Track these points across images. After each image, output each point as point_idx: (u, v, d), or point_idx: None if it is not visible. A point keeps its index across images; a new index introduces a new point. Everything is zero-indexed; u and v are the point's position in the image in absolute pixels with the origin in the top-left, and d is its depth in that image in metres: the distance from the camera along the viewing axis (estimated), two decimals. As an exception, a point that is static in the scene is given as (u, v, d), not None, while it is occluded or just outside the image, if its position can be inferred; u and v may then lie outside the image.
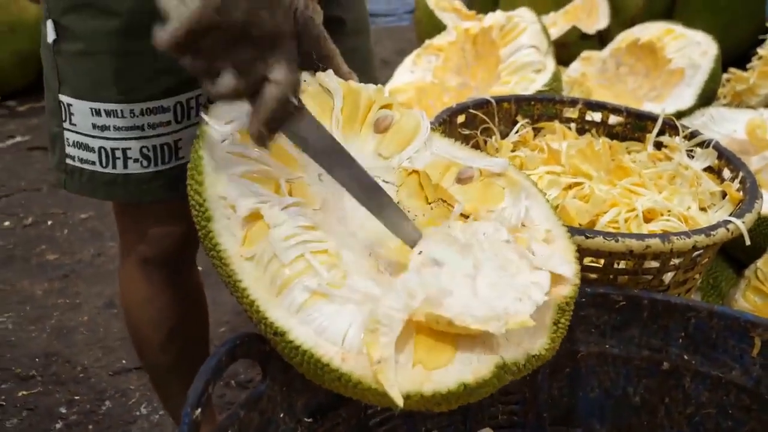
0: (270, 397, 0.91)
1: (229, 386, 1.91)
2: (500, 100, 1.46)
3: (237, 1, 0.71)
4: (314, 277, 0.80)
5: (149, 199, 1.12)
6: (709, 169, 1.35)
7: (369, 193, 0.87)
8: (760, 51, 2.22)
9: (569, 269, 0.88)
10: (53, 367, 1.99)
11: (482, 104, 1.44)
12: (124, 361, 2.02)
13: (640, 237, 1.05)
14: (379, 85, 1.00)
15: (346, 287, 0.81)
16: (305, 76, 0.95)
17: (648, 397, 1.10)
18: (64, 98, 1.09)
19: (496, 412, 1.14)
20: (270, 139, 0.81)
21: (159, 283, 1.28)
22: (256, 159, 0.87)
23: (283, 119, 0.80)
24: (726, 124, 1.77)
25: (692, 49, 1.94)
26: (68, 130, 1.11)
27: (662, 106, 1.82)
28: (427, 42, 2.18)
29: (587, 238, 1.04)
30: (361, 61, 1.23)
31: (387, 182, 0.96)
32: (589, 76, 2.18)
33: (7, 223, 2.66)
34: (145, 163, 1.10)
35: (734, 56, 2.47)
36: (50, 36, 1.07)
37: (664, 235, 1.05)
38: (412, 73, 2.16)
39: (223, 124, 0.88)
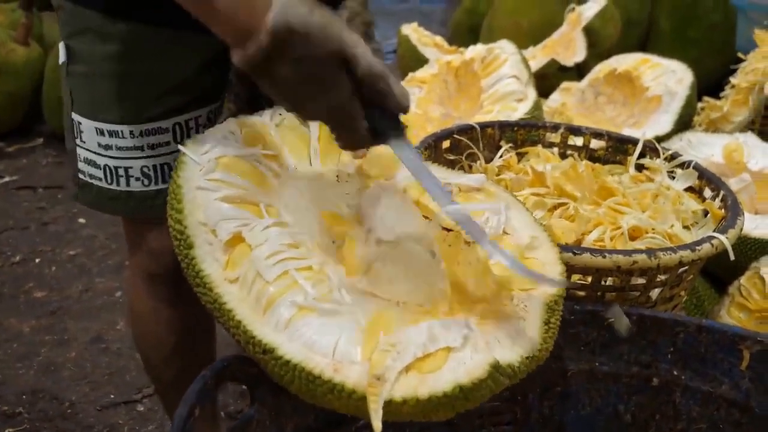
0: (259, 421, 0.90)
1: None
2: (484, 125, 1.49)
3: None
4: (300, 292, 0.81)
5: (151, 216, 1.15)
6: (690, 189, 1.38)
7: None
8: (733, 80, 2.28)
9: (555, 269, 0.91)
10: (40, 404, 1.96)
11: (466, 130, 1.47)
12: (112, 396, 2.00)
13: (627, 253, 1.07)
14: None
15: (333, 300, 0.81)
16: (281, 110, 0.98)
17: (638, 414, 1.11)
18: (75, 117, 1.14)
19: (488, 433, 1.14)
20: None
21: (163, 299, 1.29)
22: (235, 184, 0.88)
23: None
24: (703, 149, 1.81)
25: (668, 77, 1.99)
26: (80, 146, 1.15)
27: (641, 132, 1.86)
28: (410, 75, 2.22)
29: (575, 254, 1.06)
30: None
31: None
32: (569, 105, 2.23)
33: (-6, 262, 2.65)
34: (146, 181, 1.13)
35: (706, 86, 2.55)
36: (61, 57, 1.13)
37: (651, 251, 1.07)
38: (396, 105, 2.18)
39: (201, 154, 0.89)
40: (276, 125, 0.99)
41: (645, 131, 1.86)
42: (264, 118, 0.99)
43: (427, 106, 2.12)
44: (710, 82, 2.63)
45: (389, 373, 0.75)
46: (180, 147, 0.90)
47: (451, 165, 1.45)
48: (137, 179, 1.13)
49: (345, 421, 0.96)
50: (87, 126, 1.12)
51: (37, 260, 2.65)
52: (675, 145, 1.82)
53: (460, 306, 0.88)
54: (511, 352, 0.80)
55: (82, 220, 2.90)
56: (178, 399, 1.43)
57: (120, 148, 1.11)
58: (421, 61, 2.59)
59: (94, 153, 1.13)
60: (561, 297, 0.90)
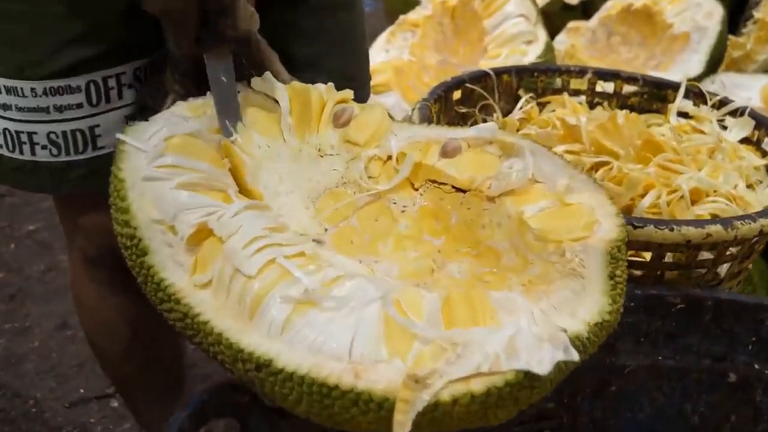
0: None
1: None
2: (499, 72, 1.29)
3: None
4: (293, 284, 0.63)
5: (65, 191, 0.98)
6: (745, 141, 1.18)
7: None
8: (756, 14, 2.09)
9: (609, 209, 0.73)
10: (0, 402, 1.77)
11: (479, 77, 1.26)
12: (81, 390, 1.80)
13: (699, 224, 0.88)
14: (329, 83, 0.86)
15: (337, 287, 0.64)
16: (242, 87, 0.83)
17: (709, 415, 0.94)
18: None
19: (530, 442, 0.96)
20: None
21: (109, 284, 1.14)
22: (192, 168, 0.71)
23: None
24: (738, 92, 1.62)
25: (694, 11, 1.79)
26: None
27: (666, 75, 1.65)
28: (402, 18, 2.02)
29: (635, 227, 0.86)
30: (329, 42, 1.06)
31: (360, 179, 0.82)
32: (578, 47, 2.01)
33: (-56, 241, 2.41)
34: (54, 150, 0.94)
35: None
36: None
37: (726, 221, 0.88)
38: (387, 52, 1.99)
39: (145, 140, 0.73)
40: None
41: (671, 75, 1.65)
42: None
43: (422, 52, 1.92)
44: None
45: (436, 380, 0.57)
46: (118, 135, 0.73)
47: (463, 120, 1.24)
48: (44, 147, 0.94)
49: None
50: None
51: (-8, 238, 2.42)
52: (706, 88, 1.61)
53: (496, 276, 0.72)
54: (575, 321, 0.64)
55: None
56: (145, 398, 1.29)
57: (20, 109, 0.92)
58: (409, 3, 2.36)
59: None
60: (623, 242, 0.72)
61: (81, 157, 0.95)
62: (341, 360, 0.59)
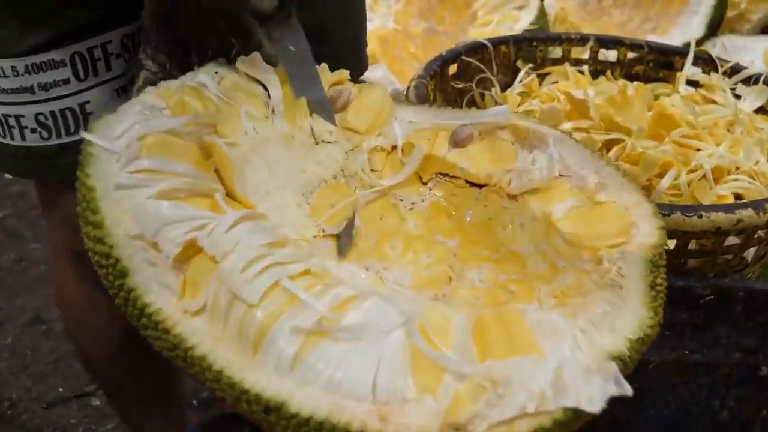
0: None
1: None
2: (497, 42, 1.20)
3: None
4: (302, 311, 0.56)
5: (59, 178, 0.90)
6: (759, 111, 1.11)
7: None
8: (750, -30, 2.00)
9: (645, 209, 0.66)
10: (-27, 405, 1.71)
11: (475, 49, 1.17)
12: (60, 389, 1.75)
13: (728, 209, 0.81)
14: (323, 64, 0.79)
15: (351, 311, 0.57)
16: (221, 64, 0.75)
17: (739, 411, 0.89)
18: None
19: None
20: None
21: (97, 282, 1.02)
22: (172, 172, 0.63)
23: None
24: (741, 55, 1.54)
25: (691, -32, 1.69)
26: None
27: (665, 40, 1.58)
28: (383, -17, 1.90)
29: (663, 216, 0.78)
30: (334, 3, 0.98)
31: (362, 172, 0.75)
32: (568, 10, 1.92)
33: None
34: (44, 133, 0.89)
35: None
36: None
37: (758, 204, 0.82)
38: (370, 21, 1.88)
39: (114, 138, 0.64)
40: (218, 85, 0.73)
41: (670, 39, 1.58)
42: (199, 79, 0.72)
43: (406, 20, 1.83)
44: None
45: (477, 425, 0.50)
46: (83, 134, 0.65)
47: (460, 96, 1.16)
48: (33, 131, 0.89)
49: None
50: None
51: (-43, 226, 2.33)
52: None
53: (521, 285, 0.65)
54: (615, 337, 0.58)
55: (8, 175, 2.53)
56: (135, 405, 1.22)
57: (4, 91, 0.86)
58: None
59: None
60: (663, 246, 0.66)
61: (73, 138, 0.88)
62: (364, 400, 0.52)
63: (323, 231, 0.70)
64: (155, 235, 0.59)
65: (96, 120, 0.67)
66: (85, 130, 0.80)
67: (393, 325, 0.53)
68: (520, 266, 0.66)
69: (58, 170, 0.91)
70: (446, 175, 0.73)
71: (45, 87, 0.86)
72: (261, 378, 0.55)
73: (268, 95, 0.74)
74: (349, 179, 0.73)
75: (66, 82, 0.86)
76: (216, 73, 0.74)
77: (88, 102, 0.88)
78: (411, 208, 0.72)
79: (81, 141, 0.85)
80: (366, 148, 0.73)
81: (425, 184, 0.73)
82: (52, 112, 0.87)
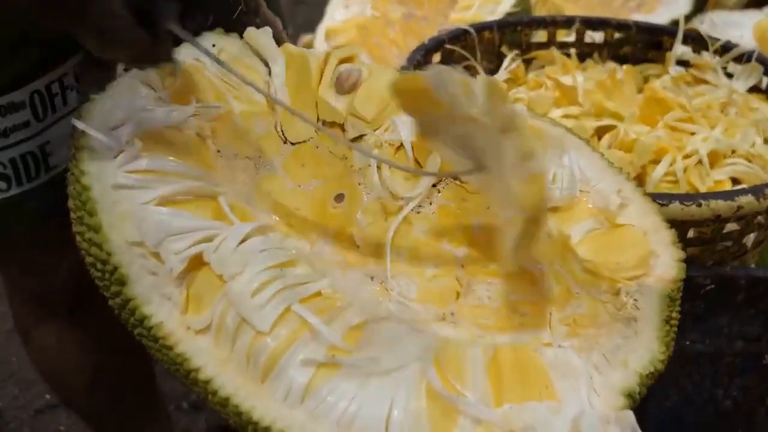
0: None
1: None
2: (480, 28, 1.16)
3: None
4: (314, 340, 0.54)
5: (23, 229, 0.85)
6: (754, 90, 1.08)
7: None
8: (731, -58, 1.98)
9: (664, 236, 0.64)
10: (-42, 415, 1.66)
11: (458, 36, 1.14)
12: (47, 396, 1.69)
13: (728, 196, 0.79)
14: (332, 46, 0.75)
15: (365, 339, 0.55)
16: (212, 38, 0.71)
17: (743, 400, 0.87)
18: None
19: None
20: None
21: (62, 329, 1.01)
22: (175, 173, 0.60)
23: None
24: (730, 31, 1.51)
25: (674, -58, 1.66)
26: None
27: (652, 18, 1.55)
28: (359, -32, 1.85)
29: (661, 206, 0.76)
30: None
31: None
32: (550, -10, 1.88)
33: None
34: (3, 185, 0.80)
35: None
36: None
37: (757, 189, 0.80)
38: (347, 8, 1.86)
39: (110, 128, 0.60)
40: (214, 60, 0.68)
41: (656, 17, 1.54)
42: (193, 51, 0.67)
43: (385, 7, 1.79)
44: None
45: None
46: (75, 122, 0.60)
47: (445, 84, 1.12)
48: None
49: None
50: None
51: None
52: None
53: (533, 307, 0.63)
54: (627, 373, 0.57)
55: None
56: (116, 426, 1.16)
57: None
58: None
59: None
60: (681, 281, 0.63)
61: (35, 183, 0.82)
62: None
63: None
64: (158, 246, 0.56)
65: (88, 104, 0.62)
66: (48, 168, 0.77)
67: (407, 359, 0.52)
68: (529, 284, 0.63)
69: (22, 221, 0.85)
70: (456, 178, 0.70)
71: (5, 133, 0.79)
72: (271, 408, 0.54)
73: (269, 72, 0.71)
74: (365, 188, 0.70)
75: (26, 125, 0.80)
76: (214, 45, 0.70)
77: (47, 142, 0.82)
78: (418, 212, 0.69)
79: (45, 183, 0.81)
80: (372, 143, 0.70)
81: (434, 185, 0.71)
82: (12, 160, 0.80)
